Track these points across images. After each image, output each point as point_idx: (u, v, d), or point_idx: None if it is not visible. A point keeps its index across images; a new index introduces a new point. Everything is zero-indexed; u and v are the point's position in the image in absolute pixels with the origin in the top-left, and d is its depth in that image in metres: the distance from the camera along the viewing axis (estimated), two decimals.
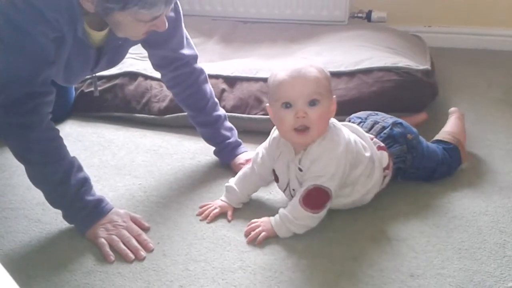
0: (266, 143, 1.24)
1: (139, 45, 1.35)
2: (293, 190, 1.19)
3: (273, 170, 1.23)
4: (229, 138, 1.42)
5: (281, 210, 1.17)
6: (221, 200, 1.27)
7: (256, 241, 1.15)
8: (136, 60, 1.80)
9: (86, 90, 1.73)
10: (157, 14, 1.05)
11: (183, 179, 1.41)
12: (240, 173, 1.29)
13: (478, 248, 1.13)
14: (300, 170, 1.15)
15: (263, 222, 1.18)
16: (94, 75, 1.37)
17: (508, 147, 1.48)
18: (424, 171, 1.30)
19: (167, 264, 1.11)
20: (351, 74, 1.61)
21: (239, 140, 1.45)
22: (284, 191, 1.23)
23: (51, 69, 1.14)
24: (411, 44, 1.90)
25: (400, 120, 1.29)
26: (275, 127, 1.20)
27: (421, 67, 1.62)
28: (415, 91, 1.56)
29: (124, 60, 1.72)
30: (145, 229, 1.21)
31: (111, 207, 1.21)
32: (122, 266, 1.11)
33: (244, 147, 1.44)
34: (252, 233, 1.16)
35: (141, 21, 1.07)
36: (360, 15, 2.24)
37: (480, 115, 1.66)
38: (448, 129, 1.41)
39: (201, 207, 1.28)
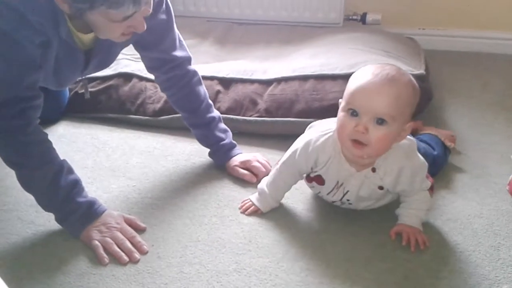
0: (303, 145, 1.15)
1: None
2: (348, 199, 1.18)
3: (318, 176, 1.17)
4: (223, 139, 1.42)
5: (410, 212, 1.15)
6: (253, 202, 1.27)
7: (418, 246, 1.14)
8: (131, 61, 1.79)
9: (80, 91, 1.71)
10: (128, 13, 1.02)
11: (178, 180, 1.40)
12: (269, 178, 1.26)
13: (473, 250, 1.13)
14: (381, 188, 1.13)
15: (412, 230, 1.14)
16: (84, 77, 1.36)
17: (503, 150, 1.49)
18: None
19: (162, 266, 1.11)
20: (346, 77, 1.59)
21: (234, 142, 1.44)
22: (328, 193, 1.19)
23: (38, 74, 1.12)
24: (406, 46, 1.90)
25: None
26: (309, 127, 1.18)
27: (416, 72, 1.62)
28: None
29: (119, 61, 1.73)
30: (141, 230, 1.21)
31: (104, 209, 1.21)
32: (116, 268, 1.11)
33: (239, 149, 1.44)
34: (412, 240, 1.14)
35: (113, 21, 1.04)
36: (354, 17, 2.24)
37: (474, 118, 1.67)
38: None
39: (242, 202, 1.28)
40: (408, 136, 1.12)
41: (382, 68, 1.03)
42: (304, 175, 1.21)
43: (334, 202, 1.22)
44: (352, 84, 1.03)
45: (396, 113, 0.99)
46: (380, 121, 1.00)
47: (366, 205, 1.21)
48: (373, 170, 1.10)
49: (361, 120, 1.01)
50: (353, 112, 1.02)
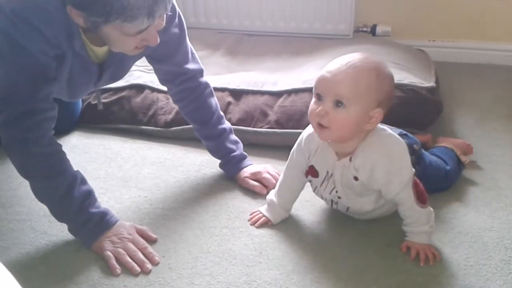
0: (297, 142, 1.21)
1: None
2: (337, 191, 1.17)
3: (311, 166, 1.19)
4: (234, 151, 1.43)
5: (414, 230, 1.14)
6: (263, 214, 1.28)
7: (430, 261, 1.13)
8: (143, 73, 1.81)
9: (93, 102, 1.74)
10: (142, 27, 1.04)
11: (189, 191, 1.41)
12: (276, 187, 1.28)
13: (484, 264, 1.13)
14: (356, 179, 1.12)
15: (421, 246, 1.15)
16: (97, 89, 1.38)
17: None
18: (436, 180, 1.30)
19: (173, 277, 1.12)
20: None
21: (245, 153, 1.45)
22: (320, 185, 1.19)
23: (53, 86, 1.14)
24: (416, 58, 1.91)
25: (404, 131, 1.28)
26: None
27: (426, 85, 1.62)
28: (420, 109, 1.56)
29: (131, 72, 1.75)
30: (153, 241, 1.22)
31: (117, 220, 1.22)
32: (128, 279, 1.12)
33: (249, 160, 1.45)
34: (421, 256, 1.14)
35: (127, 34, 1.06)
36: (364, 29, 2.25)
37: (485, 131, 1.67)
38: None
39: (251, 214, 1.30)
40: (401, 139, 1.12)
41: (348, 56, 1.07)
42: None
43: (332, 205, 1.22)
44: (322, 69, 1.08)
45: (352, 95, 1.03)
46: (339, 104, 1.04)
47: (358, 203, 1.18)
48: (350, 159, 1.11)
49: (323, 103, 1.05)
50: (318, 97, 1.07)
